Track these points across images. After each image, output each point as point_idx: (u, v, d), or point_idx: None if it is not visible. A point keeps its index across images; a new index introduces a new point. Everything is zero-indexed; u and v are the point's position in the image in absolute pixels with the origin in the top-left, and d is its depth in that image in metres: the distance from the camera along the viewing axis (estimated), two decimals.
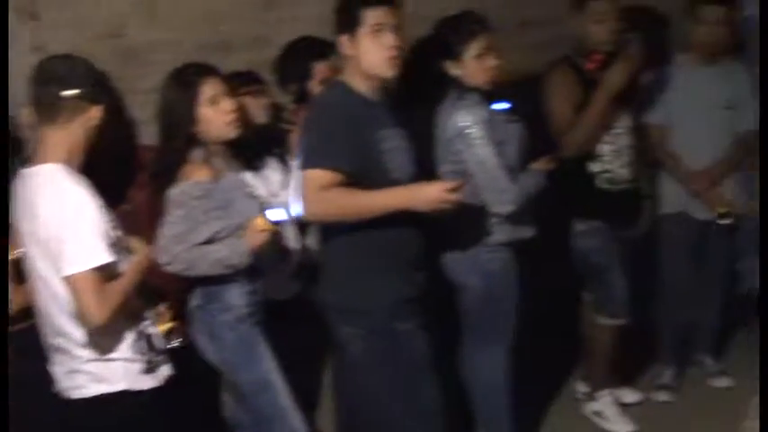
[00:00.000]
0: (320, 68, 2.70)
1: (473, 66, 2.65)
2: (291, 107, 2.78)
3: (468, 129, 2.62)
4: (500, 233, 2.74)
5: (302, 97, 2.72)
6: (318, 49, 2.69)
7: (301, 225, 2.60)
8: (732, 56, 3.43)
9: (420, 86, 2.70)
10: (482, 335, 2.81)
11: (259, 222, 2.33)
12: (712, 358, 3.60)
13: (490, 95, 2.72)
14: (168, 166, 2.35)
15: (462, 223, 2.62)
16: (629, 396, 3.43)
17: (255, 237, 2.33)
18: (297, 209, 2.41)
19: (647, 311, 3.46)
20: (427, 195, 2.27)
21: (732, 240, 3.49)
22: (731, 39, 3.32)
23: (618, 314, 3.16)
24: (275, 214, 2.35)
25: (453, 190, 2.26)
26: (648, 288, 3.45)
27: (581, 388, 3.43)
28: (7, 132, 2.24)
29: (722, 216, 3.26)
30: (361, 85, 2.36)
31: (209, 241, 2.33)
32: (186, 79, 2.38)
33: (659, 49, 3.51)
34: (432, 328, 2.54)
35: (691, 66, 3.31)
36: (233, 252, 2.32)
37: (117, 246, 2.06)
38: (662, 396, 3.48)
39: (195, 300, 2.44)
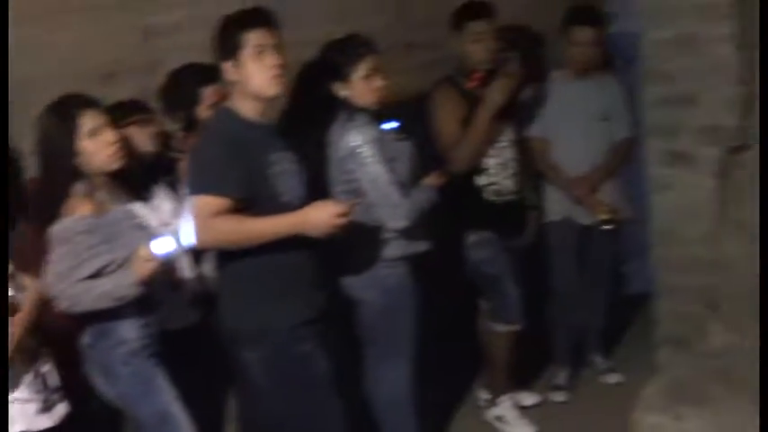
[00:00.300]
0: (208, 93, 2.70)
1: (361, 87, 2.72)
2: (179, 135, 2.76)
3: (360, 148, 2.68)
4: (395, 248, 2.80)
5: (190, 124, 2.71)
6: (205, 74, 2.70)
7: (196, 253, 2.58)
8: (604, 70, 3.66)
9: (310, 108, 2.74)
10: (383, 349, 2.86)
11: (144, 252, 2.28)
12: (602, 357, 3.77)
13: (379, 115, 2.79)
14: (50, 201, 2.30)
15: (358, 240, 2.67)
16: (528, 399, 3.55)
17: (141, 267, 2.29)
18: (189, 237, 2.39)
19: (540, 316, 3.60)
20: (317, 220, 2.30)
21: (615, 244, 3.69)
22: (602, 56, 3.52)
23: (512, 320, 3.28)
24: (161, 243, 2.32)
25: (343, 213, 2.31)
26: (540, 293, 3.60)
27: (483, 395, 3.53)
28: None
29: (605, 222, 3.44)
30: (247, 110, 2.38)
31: (96, 276, 2.28)
32: (64, 111, 2.33)
33: (536, 65, 3.69)
34: (333, 346, 2.56)
35: (566, 81, 3.49)
36: (118, 285, 2.28)
37: (11, 282, 2.00)
38: (558, 396, 3.62)
39: (86, 337, 2.38)
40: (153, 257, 2.28)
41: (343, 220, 2.30)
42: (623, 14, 4.08)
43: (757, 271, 3.04)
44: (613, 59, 4.15)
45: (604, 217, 3.42)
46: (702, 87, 3.03)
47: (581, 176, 3.45)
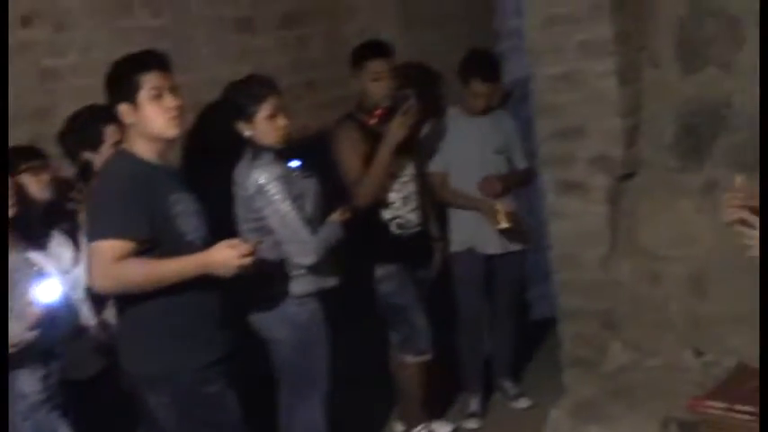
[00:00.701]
0: (110, 132, 2.66)
1: (265, 126, 2.75)
2: (77, 181, 2.71)
3: (266, 186, 2.71)
4: (305, 284, 2.82)
5: (88, 169, 2.67)
6: (106, 114, 2.65)
7: (98, 299, 2.53)
8: (499, 107, 3.82)
9: (216, 148, 2.75)
10: (297, 386, 2.85)
11: (34, 299, 2.22)
12: (512, 382, 3.85)
13: (284, 153, 2.82)
14: None
15: (268, 278, 2.68)
16: (442, 428, 3.58)
17: (31, 315, 2.22)
18: (91, 283, 2.35)
19: (450, 345, 3.66)
20: (223, 260, 2.29)
21: (519, 272, 3.81)
22: (498, 99, 3.67)
23: (422, 351, 3.33)
24: (45, 289, 2.25)
25: (248, 253, 2.31)
26: (448, 323, 3.67)
27: (398, 427, 3.56)
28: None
29: (504, 229, 3.50)
30: (144, 151, 2.36)
31: None
32: None
33: (434, 102, 3.81)
34: (245, 385, 2.54)
35: (464, 117, 3.61)
36: (13, 334, 2.20)
37: None
38: (471, 424, 3.67)
39: None
40: (37, 303, 2.21)
41: (248, 260, 2.31)
42: (515, 52, 4.28)
43: (650, 289, 3.22)
44: (509, 95, 4.33)
45: (504, 225, 3.51)
46: (590, 120, 3.20)
47: (484, 179, 3.52)
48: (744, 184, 1.98)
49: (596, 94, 3.15)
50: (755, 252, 1.80)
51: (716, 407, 2.55)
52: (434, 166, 3.57)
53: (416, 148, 3.41)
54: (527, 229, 3.70)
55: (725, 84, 2.92)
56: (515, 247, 3.65)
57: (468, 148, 3.56)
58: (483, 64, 3.56)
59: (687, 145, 3.05)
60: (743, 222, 1.96)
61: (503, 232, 3.53)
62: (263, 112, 2.75)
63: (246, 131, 2.76)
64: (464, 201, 3.57)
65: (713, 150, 2.98)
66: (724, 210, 1.98)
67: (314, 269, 2.81)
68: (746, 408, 2.47)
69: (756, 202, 1.97)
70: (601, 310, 3.35)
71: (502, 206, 3.50)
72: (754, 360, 2.79)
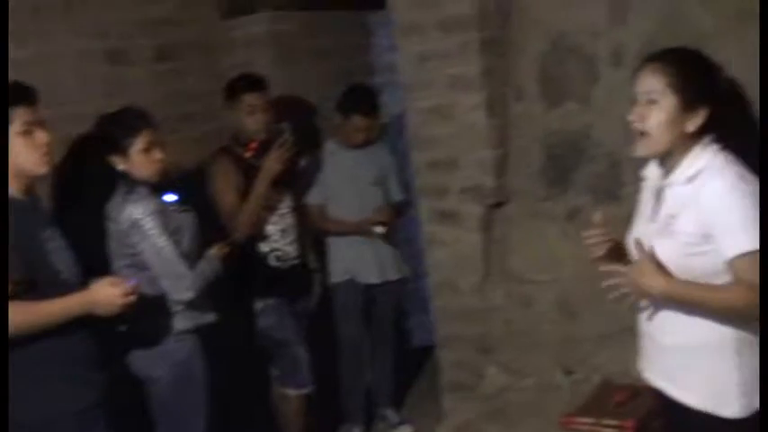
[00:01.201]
0: None
1: (139, 159, 2.69)
2: None
3: (141, 220, 2.64)
4: (184, 320, 2.76)
5: None
6: None
7: None
8: (377, 140, 3.91)
9: (89, 182, 2.66)
10: (176, 425, 2.78)
11: None
12: (393, 411, 3.90)
13: (159, 187, 2.77)
14: None
15: (144, 315, 2.60)
16: None
17: None
18: None
19: (331, 376, 3.67)
20: (105, 299, 2.24)
21: (398, 300, 3.87)
22: (377, 133, 3.75)
23: (303, 384, 3.32)
24: None
25: (130, 291, 2.26)
26: (328, 354, 3.68)
27: None
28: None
29: (379, 232, 3.57)
30: (14, 187, 2.27)
31: None
32: None
33: (312, 135, 3.85)
34: (124, 427, 2.46)
35: (341, 150, 3.66)
36: None
37: None
38: None
39: None
40: None
41: (131, 298, 2.26)
42: (391, 86, 4.39)
43: (522, 313, 3.35)
44: (385, 128, 4.43)
45: (379, 230, 3.56)
46: (462, 152, 3.33)
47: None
48: (602, 218, 2.10)
49: (467, 126, 3.28)
50: (619, 297, 1.90)
51: (585, 422, 2.68)
52: (312, 198, 3.60)
53: (294, 181, 3.43)
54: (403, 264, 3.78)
55: (584, 117, 3.10)
56: (394, 275, 3.72)
57: (346, 181, 3.62)
58: (363, 99, 3.63)
59: (552, 175, 3.21)
60: (609, 256, 2.07)
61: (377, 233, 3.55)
62: (138, 145, 2.69)
63: (120, 165, 2.70)
64: (344, 226, 3.61)
65: (575, 179, 3.15)
66: (588, 248, 2.08)
67: (192, 305, 2.76)
68: (612, 421, 2.62)
69: (616, 235, 2.09)
70: (477, 334, 3.46)
71: (377, 216, 3.57)
72: (619, 376, 2.97)
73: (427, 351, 4.25)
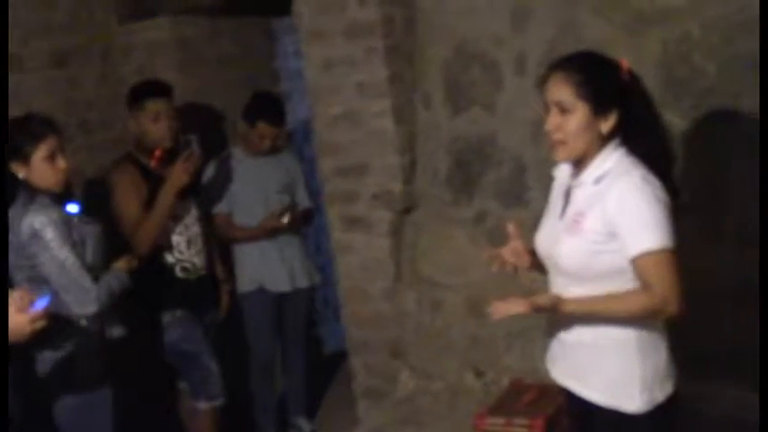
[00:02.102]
0: None
1: (41, 168, 2.56)
2: None
3: (42, 231, 2.52)
4: (90, 336, 2.67)
5: None
6: None
7: None
8: (283, 147, 3.88)
9: None
10: None
11: None
12: (306, 419, 3.86)
13: (61, 197, 2.66)
14: None
15: (46, 331, 2.48)
16: None
17: None
18: None
19: (242, 387, 3.61)
20: (15, 328, 2.10)
21: (308, 308, 3.85)
22: (283, 140, 3.71)
23: (214, 396, 3.24)
24: None
25: (40, 316, 2.15)
26: (239, 365, 3.62)
27: None
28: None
29: (282, 214, 3.52)
30: None
31: None
32: None
33: (217, 142, 3.78)
34: None
35: (247, 158, 3.61)
36: None
37: None
38: None
39: None
40: None
41: (41, 324, 2.14)
42: (297, 93, 4.37)
43: (432, 316, 3.39)
44: (291, 135, 4.41)
45: (286, 219, 3.52)
46: (370, 158, 3.34)
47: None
48: (514, 229, 2.14)
49: (375, 133, 3.30)
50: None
51: (496, 422, 2.73)
52: (218, 207, 3.54)
53: (200, 190, 3.36)
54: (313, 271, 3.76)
55: (489, 123, 3.17)
56: (304, 283, 3.69)
57: (252, 189, 3.57)
58: (269, 106, 3.60)
59: (459, 180, 3.27)
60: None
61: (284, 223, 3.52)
62: (41, 152, 2.56)
63: (21, 173, 2.57)
64: (251, 231, 3.55)
65: (482, 184, 3.21)
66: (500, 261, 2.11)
67: (96, 319, 2.66)
68: (522, 420, 2.67)
69: (526, 243, 2.15)
70: (388, 339, 3.48)
71: (280, 207, 3.53)
72: (528, 375, 3.04)
73: (339, 358, 4.25)
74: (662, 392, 1.93)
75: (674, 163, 1.97)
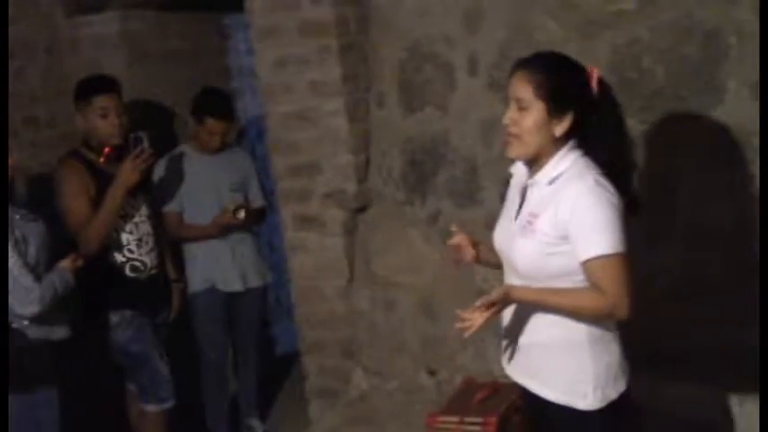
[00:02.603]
0: None
1: None
2: None
3: None
4: (31, 336, 2.59)
5: None
6: None
7: None
8: (236, 144, 3.83)
9: None
10: None
11: None
12: (259, 420, 3.82)
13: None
14: None
15: None
16: None
17: None
18: None
19: (193, 389, 3.55)
20: None
21: (261, 308, 3.80)
22: (233, 136, 3.66)
23: (164, 398, 3.18)
24: None
25: None
26: (190, 366, 3.56)
27: None
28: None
29: (237, 210, 3.46)
30: None
31: None
32: None
33: (168, 139, 3.72)
34: None
35: (198, 155, 3.55)
36: None
37: None
38: None
39: None
40: None
41: None
42: (250, 90, 4.33)
43: (386, 316, 3.39)
44: (243, 133, 4.36)
45: (241, 214, 3.45)
46: (323, 156, 3.32)
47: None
48: (459, 229, 2.18)
49: (328, 131, 3.28)
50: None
51: (449, 421, 2.73)
52: (170, 205, 3.47)
53: (150, 188, 3.29)
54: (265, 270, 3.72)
55: (442, 123, 3.17)
56: (256, 282, 3.65)
57: (205, 187, 3.52)
58: (216, 102, 3.55)
59: (413, 179, 3.27)
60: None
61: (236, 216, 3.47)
62: None
63: None
64: (203, 229, 3.50)
65: (435, 184, 3.22)
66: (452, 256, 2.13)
67: (40, 319, 2.59)
68: (475, 419, 2.68)
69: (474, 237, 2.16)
70: (341, 339, 3.47)
71: (232, 204, 3.46)
72: (481, 374, 3.06)
73: (291, 358, 4.22)
74: (615, 390, 1.96)
75: (633, 172, 2.00)
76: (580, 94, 1.91)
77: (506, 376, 2.21)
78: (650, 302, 2.70)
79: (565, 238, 1.88)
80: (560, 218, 1.88)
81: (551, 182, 1.93)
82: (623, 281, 1.84)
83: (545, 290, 1.91)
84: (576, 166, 1.92)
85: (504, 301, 1.91)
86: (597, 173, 1.90)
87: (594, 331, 1.94)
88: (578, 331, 1.94)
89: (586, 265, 1.86)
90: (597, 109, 1.92)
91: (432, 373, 3.28)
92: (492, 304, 1.89)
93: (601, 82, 1.93)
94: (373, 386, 3.41)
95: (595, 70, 1.94)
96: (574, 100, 1.91)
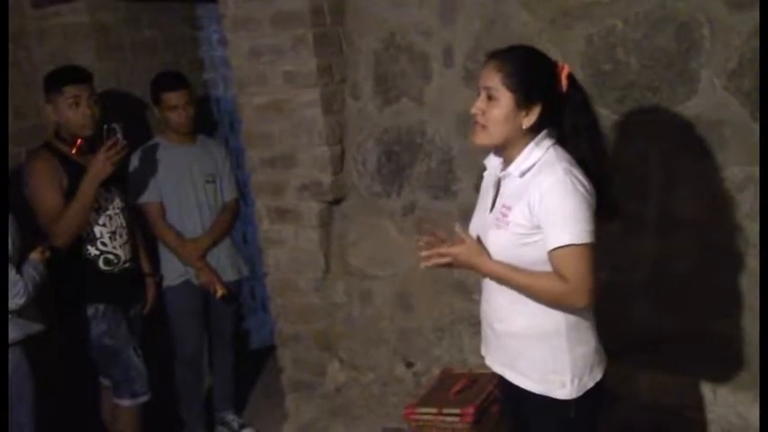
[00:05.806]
0: None
1: None
2: None
3: None
4: (11, 331, 2.56)
5: None
6: None
7: None
8: (209, 134, 3.78)
9: None
10: None
11: None
12: (235, 414, 3.79)
13: None
14: None
15: None
16: None
17: None
18: None
19: (168, 383, 3.52)
20: None
21: (235, 302, 3.77)
22: (195, 121, 3.56)
23: (139, 393, 3.14)
24: None
25: None
26: (165, 360, 3.53)
27: None
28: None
29: (222, 297, 3.48)
30: None
31: None
32: None
33: (140, 131, 3.66)
34: None
35: (171, 146, 3.50)
36: None
37: None
38: None
39: None
40: None
41: None
42: (223, 82, 4.29)
43: (362, 308, 3.39)
44: (218, 124, 4.32)
45: (221, 293, 3.48)
46: (298, 148, 3.30)
47: (191, 242, 3.47)
48: (430, 225, 2.20)
49: (303, 123, 3.25)
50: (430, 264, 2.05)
51: (427, 412, 2.74)
52: (144, 197, 3.42)
53: (124, 180, 3.25)
54: (239, 265, 3.69)
55: (418, 114, 3.17)
56: (232, 276, 3.62)
57: (179, 179, 3.46)
58: (167, 75, 3.51)
59: (388, 171, 3.26)
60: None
61: (218, 255, 3.51)
62: None
63: None
64: (177, 245, 3.44)
65: (411, 175, 3.22)
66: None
67: (20, 313, 2.56)
68: (453, 410, 2.70)
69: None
70: (317, 332, 3.45)
71: (220, 287, 3.48)
72: (457, 365, 3.07)
73: (266, 352, 4.20)
74: (591, 379, 1.99)
75: (608, 168, 2.02)
76: (549, 87, 1.93)
77: (483, 366, 2.22)
78: (622, 291, 2.75)
79: (538, 228, 1.90)
80: (532, 208, 1.90)
81: (523, 174, 1.96)
82: (585, 271, 1.87)
83: (514, 268, 1.94)
84: (546, 157, 1.94)
85: (469, 264, 1.98)
86: (568, 162, 1.92)
87: (570, 320, 1.96)
88: (554, 321, 1.96)
89: (552, 254, 1.88)
90: (565, 104, 1.94)
91: (409, 364, 3.28)
92: (455, 258, 1.99)
93: (570, 77, 1.95)
94: (350, 378, 3.41)
95: (566, 66, 1.96)
96: (542, 92, 1.93)
